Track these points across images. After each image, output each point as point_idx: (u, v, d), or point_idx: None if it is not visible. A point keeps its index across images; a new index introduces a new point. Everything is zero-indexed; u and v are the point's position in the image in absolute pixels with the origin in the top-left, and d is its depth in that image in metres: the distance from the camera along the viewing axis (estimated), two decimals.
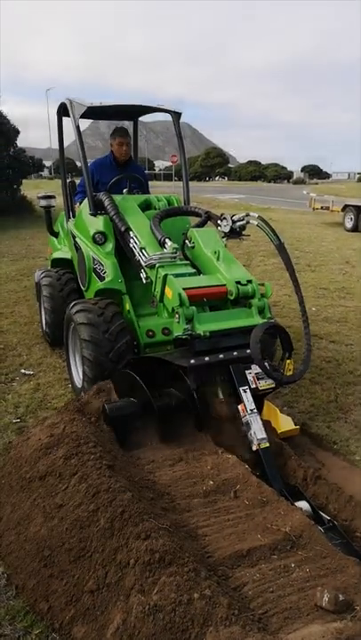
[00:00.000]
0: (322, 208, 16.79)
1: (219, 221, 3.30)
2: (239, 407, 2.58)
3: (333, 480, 2.57)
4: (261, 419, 2.61)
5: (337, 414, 3.54)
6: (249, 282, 2.94)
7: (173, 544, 1.74)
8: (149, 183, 4.67)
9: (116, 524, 1.83)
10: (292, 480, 2.52)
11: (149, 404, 2.57)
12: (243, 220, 3.16)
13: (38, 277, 4.76)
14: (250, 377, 2.67)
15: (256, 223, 3.01)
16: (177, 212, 3.71)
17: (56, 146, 4.97)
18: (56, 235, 4.94)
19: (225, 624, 1.51)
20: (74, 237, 4.08)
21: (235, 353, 2.67)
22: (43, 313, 4.62)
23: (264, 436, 2.51)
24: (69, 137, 4.34)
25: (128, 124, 5.01)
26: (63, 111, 4.21)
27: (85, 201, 3.86)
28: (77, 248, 4.00)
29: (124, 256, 3.51)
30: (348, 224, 14.43)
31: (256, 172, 79.61)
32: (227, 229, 3.22)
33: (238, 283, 2.91)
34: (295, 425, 3.04)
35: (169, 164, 43.44)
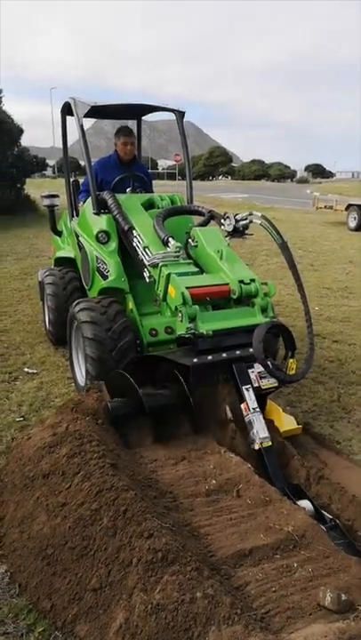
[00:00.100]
0: (325, 207, 16.77)
1: (222, 220, 3.30)
2: (242, 406, 2.58)
3: (336, 480, 2.56)
4: (264, 418, 2.61)
5: (340, 414, 3.53)
6: (252, 281, 2.93)
7: (176, 543, 1.74)
8: (153, 182, 4.67)
9: (119, 523, 1.83)
10: (295, 480, 2.52)
11: (141, 405, 2.57)
12: (246, 219, 3.15)
13: (42, 276, 4.77)
14: (252, 376, 2.67)
15: (259, 222, 3.01)
16: (180, 210, 3.71)
17: (60, 145, 4.98)
18: (59, 234, 4.94)
19: (227, 623, 1.51)
20: (77, 236, 4.09)
21: (237, 352, 2.67)
22: (46, 311, 4.63)
23: (266, 435, 2.51)
24: (73, 136, 4.34)
25: (132, 124, 5.01)
26: (67, 110, 4.21)
27: (89, 200, 3.86)
28: (81, 247, 4.00)
29: (128, 255, 3.51)
30: (352, 223, 14.39)
31: (260, 172, 79.48)
32: (230, 228, 3.21)
33: (241, 282, 2.91)
34: (298, 424, 3.04)
35: (172, 163, 43.42)
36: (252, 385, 2.62)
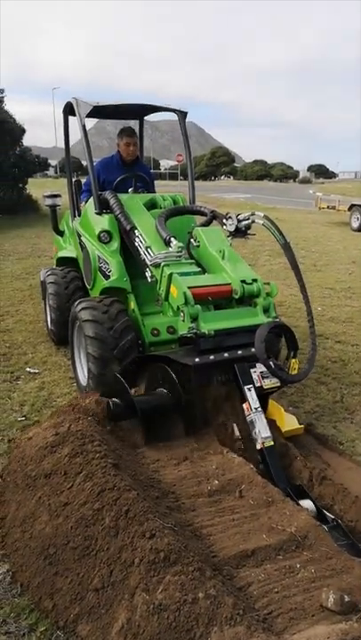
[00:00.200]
0: (328, 207, 16.74)
1: (224, 220, 3.29)
2: (243, 406, 2.58)
3: (339, 481, 2.56)
4: (266, 418, 2.60)
5: (343, 415, 3.52)
6: (254, 281, 2.93)
7: (178, 543, 1.74)
8: (155, 182, 4.67)
9: (121, 523, 1.83)
10: (298, 480, 2.51)
11: (132, 407, 2.57)
12: (248, 219, 3.15)
13: (44, 276, 4.77)
14: (255, 375, 2.67)
15: (262, 222, 3.01)
16: (182, 210, 3.71)
17: (62, 145, 4.98)
18: (61, 233, 4.95)
19: (230, 624, 1.50)
20: (79, 236, 4.09)
21: (239, 352, 2.66)
22: (48, 311, 4.63)
23: (268, 434, 2.51)
24: (75, 136, 4.35)
25: (134, 124, 5.01)
26: (69, 110, 4.22)
27: (91, 200, 3.87)
28: (83, 247, 4.00)
29: (130, 255, 3.51)
30: (355, 224, 14.37)
31: (262, 172, 79.44)
32: (232, 228, 3.21)
33: (243, 282, 2.90)
34: (300, 424, 3.04)
35: (175, 163, 43.45)
36: (253, 385, 2.62)
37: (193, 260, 3.26)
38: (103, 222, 3.67)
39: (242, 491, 2.22)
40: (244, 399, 2.59)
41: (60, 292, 4.38)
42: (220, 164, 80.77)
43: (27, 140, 16.54)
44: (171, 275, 2.91)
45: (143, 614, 1.58)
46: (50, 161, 23.10)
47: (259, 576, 1.79)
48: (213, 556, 1.87)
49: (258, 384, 2.65)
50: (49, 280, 4.53)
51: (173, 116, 4.26)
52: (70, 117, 4.38)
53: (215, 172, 79.87)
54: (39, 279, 5.26)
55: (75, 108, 3.88)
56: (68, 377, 3.96)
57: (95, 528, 1.86)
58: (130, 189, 4.04)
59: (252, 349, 2.56)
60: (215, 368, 2.69)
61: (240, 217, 3.18)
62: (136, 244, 3.37)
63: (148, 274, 3.25)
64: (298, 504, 2.19)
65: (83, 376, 3.50)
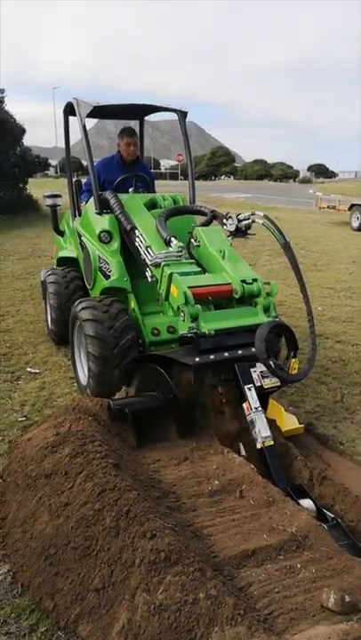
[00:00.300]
0: (328, 207, 16.73)
1: (224, 220, 3.29)
2: (244, 405, 2.58)
3: (340, 481, 2.56)
4: (266, 417, 2.60)
5: (343, 414, 3.52)
6: (254, 280, 2.93)
7: (179, 543, 1.74)
8: (155, 182, 4.67)
9: (122, 523, 1.83)
10: (298, 480, 2.51)
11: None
12: (248, 218, 3.15)
13: (44, 276, 4.77)
14: (255, 375, 2.67)
15: (262, 222, 3.01)
16: (182, 210, 3.70)
17: (62, 145, 4.98)
18: (62, 233, 4.95)
19: (230, 624, 1.50)
20: (80, 236, 4.09)
21: (240, 351, 2.66)
22: (48, 310, 4.63)
23: (268, 433, 2.51)
24: (76, 136, 4.35)
25: (134, 124, 5.01)
26: (70, 110, 4.22)
27: (91, 200, 3.87)
28: (83, 247, 4.00)
29: (130, 255, 3.51)
30: (355, 223, 14.36)
31: (262, 171, 79.39)
32: (232, 228, 3.21)
33: (244, 281, 2.90)
34: (300, 424, 3.03)
35: (175, 162, 43.43)
36: (254, 384, 2.62)
37: (193, 260, 3.26)
38: (103, 222, 3.67)
39: (242, 491, 2.22)
40: (244, 399, 2.59)
41: (60, 291, 4.38)
42: (220, 163, 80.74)
43: (27, 140, 16.55)
44: (171, 274, 2.91)
45: (144, 614, 1.58)
46: (50, 161, 23.10)
47: (259, 576, 1.79)
48: (214, 556, 1.87)
49: (258, 383, 2.65)
50: (49, 280, 4.53)
51: (174, 116, 4.26)
52: (71, 117, 4.38)
53: (215, 172, 79.85)
54: (39, 279, 5.26)
55: (75, 108, 3.88)
56: (68, 377, 3.96)
57: (96, 528, 1.86)
58: (130, 189, 4.04)
59: (253, 349, 2.56)
60: (216, 367, 2.69)
61: (240, 217, 3.18)
62: (136, 244, 3.37)
63: (148, 274, 3.25)
64: (298, 504, 2.19)
65: (83, 375, 3.50)
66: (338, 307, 6.21)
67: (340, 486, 2.47)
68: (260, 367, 2.66)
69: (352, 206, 14.73)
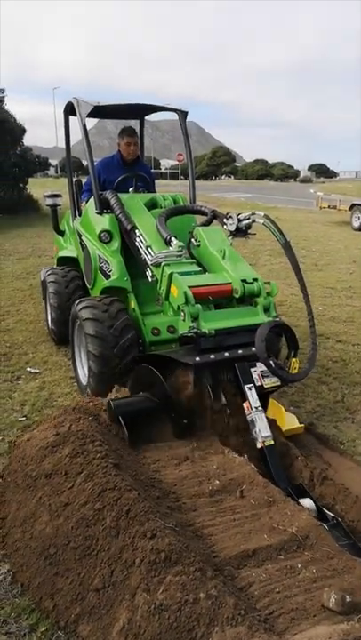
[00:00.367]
0: (329, 207, 16.73)
1: (225, 220, 3.29)
2: (244, 405, 2.58)
3: (340, 481, 2.55)
4: (266, 417, 2.60)
5: (344, 414, 3.52)
6: (255, 280, 2.92)
7: (179, 543, 1.74)
8: (156, 182, 4.66)
9: (122, 523, 1.82)
10: (299, 480, 2.51)
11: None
12: (249, 218, 3.14)
13: (44, 275, 4.78)
14: (255, 375, 2.66)
15: (262, 222, 3.00)
16: (183, 210, 3.70)
17: (62, 144, 4.98)
18: (62, 233, 4.95)
19: (231, 624, 1.50)
20: (80, 236, 4.09)
21: (240, 351, 2.66)
22: (49, 310, 4.64)
23: (269, 433, 2.51)
24: (76, 136, 4.35)
25: (134, 123, 5.01)
26: (70, 110, 4.22)
27: (91, 199, 3.87)
28: (83, 246, 4.00)
29: (130, 254, 3.51)
30: (356, 223, 14.36)
31: (263, 171, 79.40)
32: (233, 228, 3.20)
33: (244, 281, 2.90)
34: (300, 424, 3.03)
35: (175, 162, 43.43)
36: (254, 384, 2.62)
37: (193, 260, 3.25)
38: (104, 222, 3.66)
39: (243, 491, 2.21)
40: (244, 398, 2.58)
41: (60, 291, 4.38)
42: (220, 163, 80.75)
43: (27, 140, 16.56)
44: (171, 274, 2.91)
45: (144, 614, 1.58)
46: (50, 161, 23.12)
47: (260, 576, 1.78)
48: (214, 556, 1.87)
49: (258, 383, 2.65)
50: (49, 279, 4.53)
51: (174, 116, 4.25)
52: (71, 117, 4.38)
53: (216, 172, 79.84)
54: (40, 279, 5.26)
55: (75, 107, 3.88)
56: (68, 377, 3.96)
57: (96, 528, 1.86)
58: (130, 189, 4.04)
59: (253, 348, 2.55)
60: (216, 367, 2.69)
61: (241, 216, 3.17)
62: (137, 244, 3.37)
63: (148, 273, 3.24)
64: (298, 504, 2.19)
65: (83, 375, 3.50)
66: (338, 306, 6.21)
67: (340, 486, 2.46)
68: (260, 367, 2.66)
69: (353, 206, 14.73)
